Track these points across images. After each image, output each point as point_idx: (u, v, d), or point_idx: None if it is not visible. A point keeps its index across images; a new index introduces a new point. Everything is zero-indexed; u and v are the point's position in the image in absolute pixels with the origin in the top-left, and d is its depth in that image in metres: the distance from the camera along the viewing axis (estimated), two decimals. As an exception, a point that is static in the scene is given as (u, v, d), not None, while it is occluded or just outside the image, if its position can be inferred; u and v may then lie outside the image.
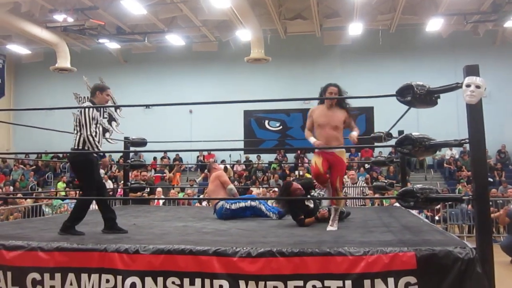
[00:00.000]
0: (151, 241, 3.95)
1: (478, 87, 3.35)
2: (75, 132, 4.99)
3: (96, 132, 4.97)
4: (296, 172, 16.99)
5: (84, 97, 20.86)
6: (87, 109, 4.93)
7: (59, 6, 15.69)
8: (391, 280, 3.28)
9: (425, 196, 3.59)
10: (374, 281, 3.28)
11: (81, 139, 4.91)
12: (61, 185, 17.02)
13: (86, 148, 4.90)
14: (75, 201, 10.95)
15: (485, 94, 3.44)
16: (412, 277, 3.27)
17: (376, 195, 9.20)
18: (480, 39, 18.14)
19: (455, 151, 18.10)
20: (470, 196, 3.53)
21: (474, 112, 3.43)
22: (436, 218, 11.10)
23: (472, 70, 3.44)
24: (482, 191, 3.40)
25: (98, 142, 5.00)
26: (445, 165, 17.80)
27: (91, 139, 4.88)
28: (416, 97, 3.68)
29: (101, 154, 5.18)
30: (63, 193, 14.73)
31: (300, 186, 5.60)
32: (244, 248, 3.50)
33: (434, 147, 3.71)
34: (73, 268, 3.67)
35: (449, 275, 3.26)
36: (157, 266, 3.53)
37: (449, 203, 10.62)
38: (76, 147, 4.95)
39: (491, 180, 15.31)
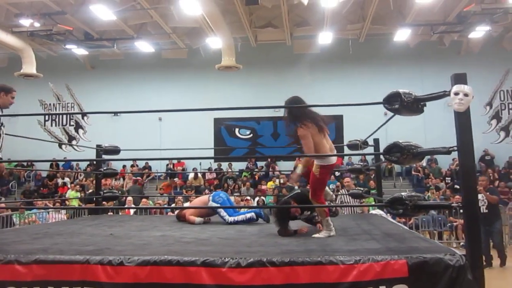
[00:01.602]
0: (133, 252, 3.81)
1: (466, 95, 3.37)
2: None
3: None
4: (277, 181, 16.91)
5: (50, 104, 20.58)
6: None
7: (26, 11, 15.31)
8: (383, 288, 3.25)
9: (413, 203, 3.59)
10: (366, 289, 3.25)
11: None
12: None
13: None
14: (43, 211, 10.64)
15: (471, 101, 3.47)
16: (404, 285, 3.25)
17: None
18: (446, 49, 18.63)
19: (423, 159, 18.40)
20: (459, 204, 3.54)
21: (463, 120, 3.46)
22: (408, 224, 11.23)
23: (460, 78, 3.47)
24: (471, 198, 3.41)
25: (0, 147, 4.69)
26: (413, 172, 18.10)
27: None
28: (403, 104, 3.68)
29: None
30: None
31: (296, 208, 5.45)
32: (233, 258, 3.41)
33: (422, 154, 3.72)
34: (52, 281, 3.49)
35: (440, 282, 3.25)
36: (142, 278, 3.40)
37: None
38: None
39: (458, 187, 15.64)
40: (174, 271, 3.39)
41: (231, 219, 6.43)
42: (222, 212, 6.51)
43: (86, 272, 3.47)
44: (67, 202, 14.27)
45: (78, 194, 15.84)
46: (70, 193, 16.28)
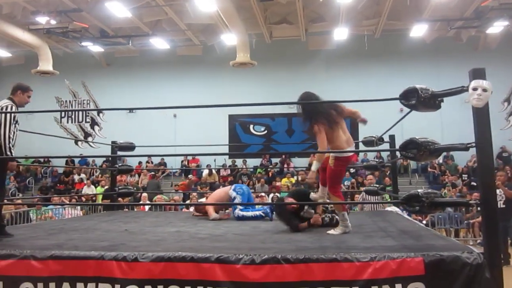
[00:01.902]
0: (148, 248, 3.82)
1: (485, 90, 3.31)
2: None
3: (13, 133, 4.74)
4: (295, 178, 16.83)
5: (66, 101, 20.77)
6: (9, 107, 4.72)
7: (42, 8, 15.43)
8: (399, 286, 3.21)
9: (430, 200, 3.54)
10: (381, 287, 3.21)
11: None
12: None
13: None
14: (60, 207, 10.74)
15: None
16: (420, 283, 3.21)
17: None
18: (463, 45, 18.38)
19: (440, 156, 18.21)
20: (477, 201, 3.48)
21: (481, 116, 3.40)
22: (424, 222, 11.12)
23: (478, 73, 3.40)
24: (489, 195, 3.35)
25: (13, 145, 4.75)
26: (429, 169, 17.92)
27: (6, 140, 4.64)
28: (420, 100, 3.62)
29: (10, 156, 4.81)
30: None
31: (292, 204, 5.43)
32: (247, 255, 3.40)
33: (439, 151, 3.66)
34: (68, 277, 3.51)
35: (457, 280, 3.20)
36: (156, 274, 3.40)
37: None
38: None
39: (474, 184, 15.45)
40: (188, 267, 3.39)
41: (240, 213, 6.51)
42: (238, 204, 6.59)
43: (100, 268, 3.49)
44: (83, 198, 14.38)
45: (103, 190, 15.91)
46: (97, 189, 16.31)
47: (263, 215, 6.51)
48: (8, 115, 4.64)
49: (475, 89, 3.34)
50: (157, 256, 3.46)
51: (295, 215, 5.34)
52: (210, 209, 6.73)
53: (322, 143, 4.73)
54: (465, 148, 3.47)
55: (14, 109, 4.77)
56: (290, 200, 5.47)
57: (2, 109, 4.72)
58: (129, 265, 3.45)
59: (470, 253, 3.28)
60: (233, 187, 6.98)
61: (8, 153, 4.70)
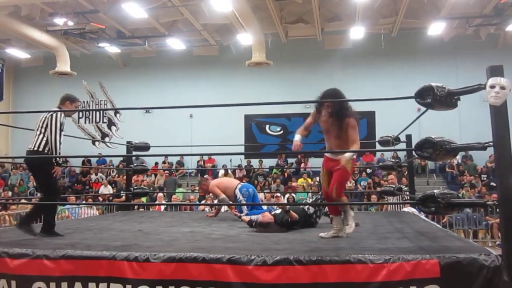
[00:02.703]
0: (161, 248, 3.81)
1: (503, 88, 3.22)
2: (38, 133, 4.89)
3: (60, 138, 4.89)
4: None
5: (84, 101, 20.95)
6: (59, 114, 4.87)
7: (60, 10, 15.58)
8: (414, 289, 3.14)
9: (446, 201, 3.46)
10: (396, 290, 3.15)
11: (43, 141, 4.82)
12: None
13: (46, 151, 4.80)
14: (76, 207, 10.83)
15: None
16: (436, 285, 3.14)
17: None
18: (482, 43, 18.08)
19: (458, 156, 17.95)
20: (495, 201, 3.39)
21: (499, 114, 3.30)
22: (441, 223, 10.98)
23: (496, 71, 3.31)
24: (508, 196, 3.26)
25: (59, 150, 4.90)
26: (447, 169, 17.68)
27: (57, 144, 4.80)
28: (436, 99, 3.54)
29: (59, 162, 5.01)
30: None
31: (268, 216, 5.44)
32: (259, 255, 3.36)
33: (455, 150, 3.58)
34: (80, 277, 3.52)
35: (474, 283, 3.13)
36: (168, 275, 3.39)
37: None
38: (37, 148, 4.83)
39: (494, 184, 15.20)
40: (199, 268, 3.36)
41: (245, 217, 6.42)
42: (244, 207, 6.68)
43: (112, 268, 3.48)
44: (100, 198, 14.49)
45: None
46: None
47: None
48: (58, 122, 4.83)
49: (492, 86, 3.25)
50: (169, 257, 3.44)
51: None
52: (216, 191, 6.87)
53: (357, 139, 4.66)
54: (482, 147, 3.39)
55: (62, 118, 4.94)
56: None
57: (52, 116, 4.87)
58: (141, 265, 3.44)
59: (487, 255, 3.20)
60: (240, 186, 7.04)
61: (58, 159, 4.90)
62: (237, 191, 6.89)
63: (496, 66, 3.36)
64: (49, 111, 4.95)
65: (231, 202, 7.00)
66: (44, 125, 4.87)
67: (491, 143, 3.35)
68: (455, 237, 4.50)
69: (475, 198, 13.20)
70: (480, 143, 3.43)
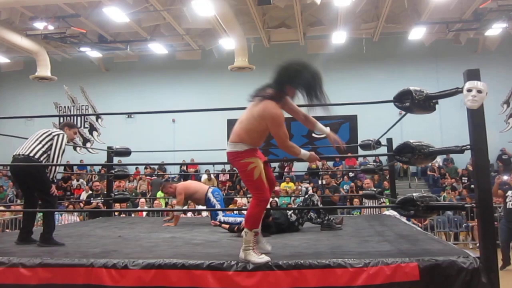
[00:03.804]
0: (140, 255, 3.77)
1: (479, 91, 3.26)
2: (37, 143, 4.87)
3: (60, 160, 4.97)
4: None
5: (65, 106, 20.72)
6: (65, 137, 4.95)
7: (40, 14, 15.41)
8: (393, 292, 3.15)
9: (425, 204, 3.49)
10: (376, 293, 3.15)
11: (41, 151, 4.82)
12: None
13: (42, 159, 4.81)
14: (56, 213, 10.65)
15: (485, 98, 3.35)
16: (416, 288, 3.15)
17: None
18: (462, 47, 18.32)
19: (439, 159, 18.15)
20: (473, 204, 3.42)
21: (476, 118, 3.34)
22: (423, 225, 11.06)
23: (473, 74, 3.35)
24: (485, 198, 3.29)
25: (55, 172, 4.97)
26: (428, 172, 17.84)
27: (56, 166, 4.92)
28: (414, 102, 3.58)
29: (54, 180, 5.09)
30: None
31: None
32: (240, 261, 3.34)
33: (434, 154, 3.61)
34: (57, 285, 3.46)
35: (453, 286, 3.15)
36: (147, 282, 3.35)
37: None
38: (33, 155, 4.80)
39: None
40: (179, 274, 3.33)
41: (223, 218, 6.52)
42: (218, 210, 6.69)
43: (90, 275, 3.43)
44: (81, 204, 14.31)
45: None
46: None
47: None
48: (63, 145, 4.89)
49: (469, 90, 3.29)
50: (148, 263, 3.40)
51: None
52: (176, 199, 6.92)
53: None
54: (460, 150, 3.42)
55: (66, 141, 4.98)
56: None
57: (58, 136, 4.91)
58: (119, 272, 3.40)
59: (466, 258, 3.23)
60: (211, 189, 7.05)
61: (53, 178, 4.94)
62: (209, 194, 6.90)
63: (473, 70, 3.40)
64: (54, 130, 4.96)
65: (204, 208, 7.07)
66: (47, 140, 4.88)
67: (469, 146, 3.38)
68: (435, 239, 4.53)
69: (457, 200, 13.34)
70: (458, 147, 3.46)
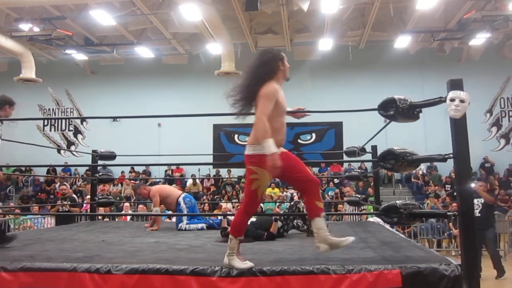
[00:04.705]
0: (124, 260, 3.74)
1: (462, 101, 3.30)
2: None
3: None
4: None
5: (49, 109, 20.54)
6: None
7: (25, 15, 15.29)
8: (376, 299, 3.17)
9: (408, 212, 3.52)
10: (358, 300, 3.17)
11: None
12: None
13: None
14: (39, 217, 10.56)
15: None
16: (398, 295, 3.18)
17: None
18: (446, 56, 18.57)
19: (423, 166, 18.33)
20: (455, 212, 3.47)
21: (459, 127, 3.38)
22: (406, 232, 11.14)
23: (456, 84, 3.40)
24: (467, 206, 3.34)
25: None
26: (412, 179, 18.00)
27: None
28: (398, 111, 3.62)
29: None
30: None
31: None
32: (224, 267, 3.34)
33: (417, 162, 3.65)
34: (39, 289, 3.43)
35: (435, 293, 3.18)
36: (130, 287, 3.32)
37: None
38: None
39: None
40: (162, 279, 3.31)
41: (185, 226, 6.64)
42: (184, 217, 6.73)
43: (73, 280, 3.40)
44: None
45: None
46: None
47: (205, 228, 6.67)
48: None
49: (452, 100, 3.33)
50: (131, 268, 3.38)
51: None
52: (156, 200, 6.91)
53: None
54: (442, 159, 3.47)
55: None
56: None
57: None
58: (102, 277, 3.37)
59: (447, 265, 3.26)
60: (183, 195, 7.13)
61: None
62: (180, 199, 6.96)
63: (456, 79, 3.45)
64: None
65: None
66: None
67: (451, 155, 3.42)
68: (417, 247, 4.56)
69: (441, 207, 13.47)
70: (441, 155, 3.50)
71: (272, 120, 3.40)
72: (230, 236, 3.49)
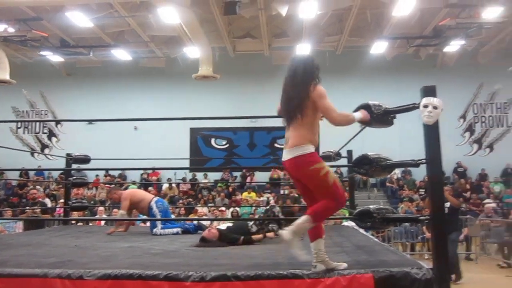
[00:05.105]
0: (97, 265, 3.70)
1: (435, 107, 3.36)
2: None
3: None
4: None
5: (23, 111, 20.20)
6: None
7: (0, 16, 15.02)
8: (349, 303, 3.20)
9: (382, 216, 3.56)
10: (332, 304, 3.19)
11: None
12: None
13: None
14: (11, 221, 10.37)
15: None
16: (371, 299, 3.20)
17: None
18: (422, 62, 18.85)
19: (398, 171, 18.54)
20: (427, 216, 3.51)
21: (431, 133, 3.44)
22: (380, 236, 11.26)
23: (429, 91, 3.46)
24: (439, 211, 3.39)
25: None
26: (387, 184, 18.20)
27: None
28: (373, 116, 3.65)
29: None
30: None
31: (214, 231, 5.46)
32: (197, 271, 3.32)
33: (391, 167, 3.69)
34: (9, 295, 3.36)
35: (407, 297, 3.21)
36: (103, 292, 3.29)
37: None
38: None
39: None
40: (136, 285, 3.28)
41: (160, 231, 6.59)
42: (158, 221, 6.69)
43: (44, 286, 3.35)
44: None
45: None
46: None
47: (181, 232, 6.65)
48: None
49: (426, 106, 3.39)
50: (104, 274, 3.34)
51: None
52: (121, 206, 6.87)
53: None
54: (415, 164, 3.52)
55: None
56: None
57: None
58: (74, 283, 3.32)
59: (419, 269, 3.30)
60: (155, 199, 7.07)
61: None
62: (152, 203, 6.90)
63: (430, 86, 3.51)
64: None
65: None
66: None
67: (424, 160, 3.47)
68: (391, 251, 4.61)
69: (415, 211, 13.64)
70: (414, 160, 3.55)
71: (314, 122, 3.51)
72: (305, 217, 3.34)
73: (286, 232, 3.30)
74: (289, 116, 3.53)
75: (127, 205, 6.87)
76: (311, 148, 3.39)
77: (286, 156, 3.49)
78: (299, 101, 3.47)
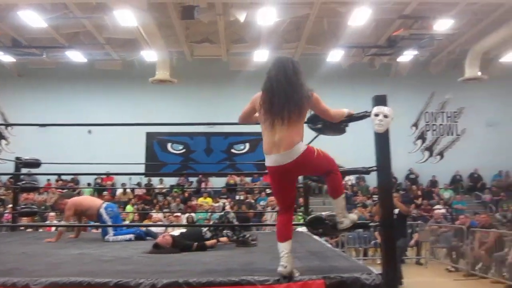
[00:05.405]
0: (44, 273, 3.59)
1: (386, 116, 3.45)
2: None
3: None
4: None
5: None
6: None
7: None
8: (301, 309, 3.22)
9: (333, 223, 3.61)
10: (284, 310, 3.21)
11: None
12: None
13: None
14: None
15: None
16: (322, 305, 3.24)
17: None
18: (376, 71, 19.30)
19: (352, 177, 18.85)
20: (377, 223, 3.59)
21: (382, 141, 3.52)
22: (334, 242, 11.41)
23: (380, 100, 3.54)
24: (388, 217, 3.47)
25: None
26: (342, 190, 18.47)
27: None
28: (326, 124, 3.73)
29: None
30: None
31: (168, 237, 5.42)
32: (148, 279, 3.28)
33: (343, 174, 3.75)
34: (-51, 306, 3.22)
35: (357, 301, 3.27)
36: (51, 301, 3.20)
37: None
38: None
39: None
40: (84, 293, 3.21)
41: (112, 238, 6.46)
42: (109, 228, 6.56)
43: (-13, 295, 3.22)
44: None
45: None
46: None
47: (133, 238, 6.52)
48: None
49: (377, 115, 3.47)
50: (52, 282, 3.25)
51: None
52: (66, 214, 6.67)
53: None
54: (366, 171, 3.60)
55: None
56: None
57: None
58: (20, 292, 3.21)
59: (369, 274, 3.36)
60: (105, 205, 6.83)
61: None
62: (102, 210, 6.65)
63: (381, 95, 3.60)
64: None
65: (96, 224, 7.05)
66: None
67: (375, 168, 3.55)
68: (342, 256, 4.69)
69: (368, 217, 13.91)
70: (365, 168, 3.63)
71: (302, 125, 3.52)
72: (338, 197, 3.56)
73: (347, 221, 3.59)
74: (283, 115, 3.45)
75: (70, 215, 6.63)
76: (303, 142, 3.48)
77: (285, 159, 3.44)
78: (301, 101, 3.51)
